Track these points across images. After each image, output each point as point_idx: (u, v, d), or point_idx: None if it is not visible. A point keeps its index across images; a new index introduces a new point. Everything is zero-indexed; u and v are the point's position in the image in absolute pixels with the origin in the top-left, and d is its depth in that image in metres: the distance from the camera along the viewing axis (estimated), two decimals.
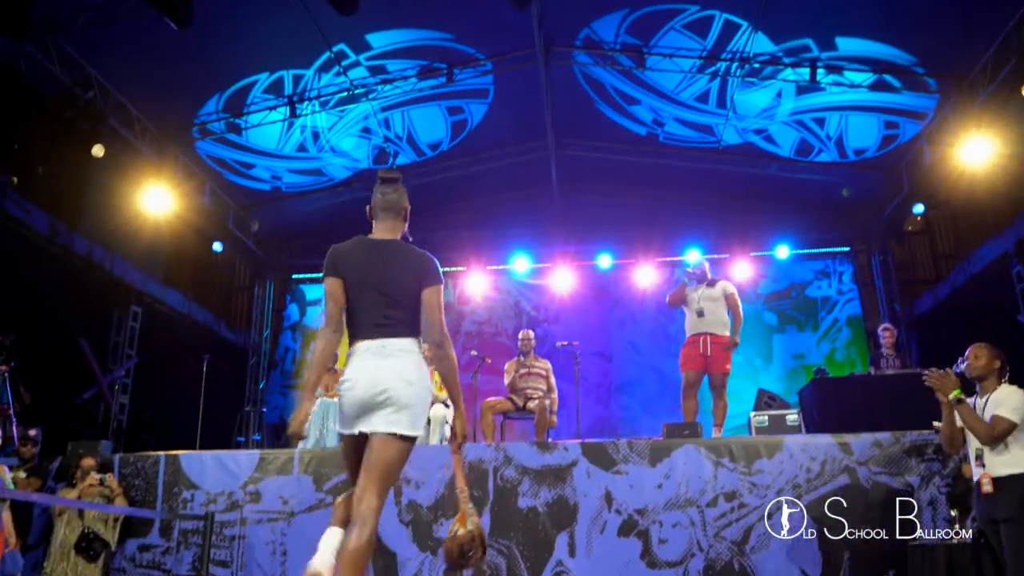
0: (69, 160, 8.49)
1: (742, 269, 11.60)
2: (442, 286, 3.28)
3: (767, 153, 10.57)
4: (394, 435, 3.01)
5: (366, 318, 3.12)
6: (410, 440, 3.08)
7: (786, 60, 8.72)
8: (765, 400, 6.83)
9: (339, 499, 3.30)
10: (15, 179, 8.01)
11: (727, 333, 6.96)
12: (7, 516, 5.29)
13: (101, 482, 5.87)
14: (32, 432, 6.47)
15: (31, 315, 8.22)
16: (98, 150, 8.31)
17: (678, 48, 8.74)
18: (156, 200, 9.19)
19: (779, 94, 9.32)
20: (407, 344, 3.12)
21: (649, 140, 10.70)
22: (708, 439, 5.98)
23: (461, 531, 3.18)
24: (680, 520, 5.53)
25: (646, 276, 11.68)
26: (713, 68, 8.98)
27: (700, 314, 7.00)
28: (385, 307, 3.11)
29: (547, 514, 5.65)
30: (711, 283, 7.17)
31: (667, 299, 7.51)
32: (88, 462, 5.98)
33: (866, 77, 8.67)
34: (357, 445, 3.10)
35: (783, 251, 11.66)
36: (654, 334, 11.62)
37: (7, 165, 7.94)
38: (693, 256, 11.59)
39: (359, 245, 3.32)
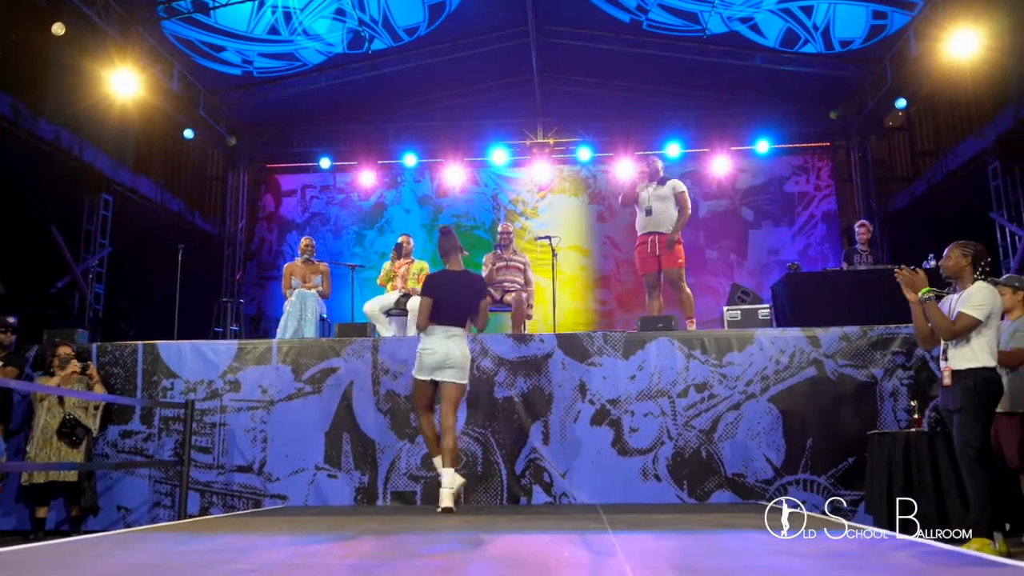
0: (29, 39, 8.12)
1: (721, 164, 11.56)
2: (487, 295, 5.35)
3: (752, 43, 10.34)
4: (457, 383, 4.95)
5: (444, 313, 4.96)
6: (464, 385, 5.03)
7: None
8: (739, 295, 6.92)
9: (427, 431, 5.03)
10: None
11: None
12: None
13: (83, 370, 5.90)
14: (10, 319, 6.42)
15: (0, 203, 8.04)
16: (58, 28, 7.95)
17: None
18: (122, 83, 8.87)
19: None
20: (461, 331, 5.02)
21: (632, 27, 10.39)
22: (681, 331, 6.09)
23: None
24: (651, 410, 5.70)
25: (625, 170, 11.58)
26: None
27: (648, 213, 6.96)
28: (455, 310, 5.00)
29: (522, 404, 5.80)
30: (661, 181, 7.08)
31: (619, 200, 7.46)
32: (65, 350, 5.99)
33: None
34: (431, 387, 4.98)
35: (763, 146, 11.60)
36: (632, 229, 11.54)
37: None
38: (673, 150, 11.52)
39: (446, 275, 5.13)
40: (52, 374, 5.94)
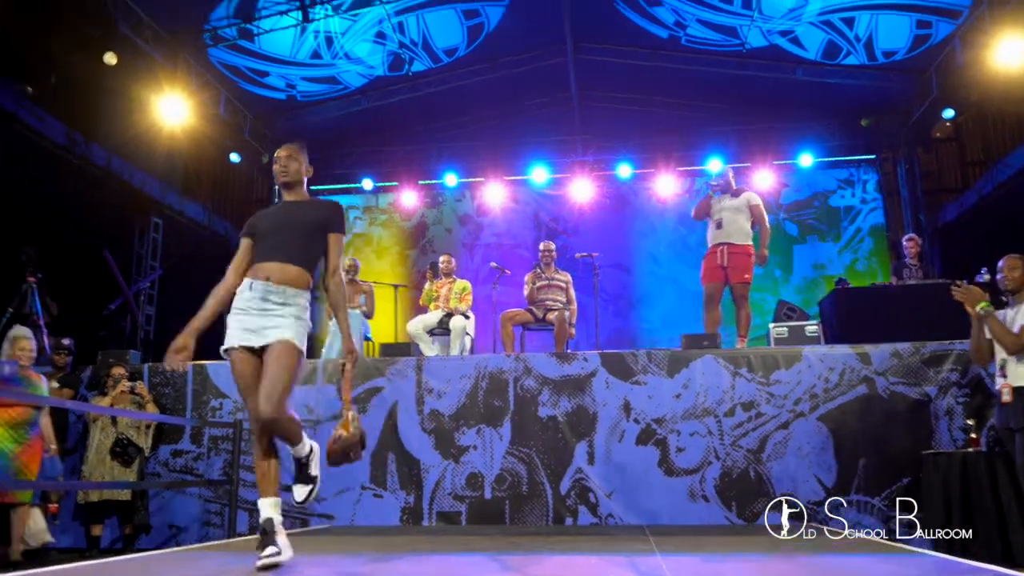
0: (82, 69, 8.39)
1: (764, 178, 11.42)
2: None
3: (793, 56, 10.24)
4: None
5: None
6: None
7: None
8: (785, 311, 6.82)
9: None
10: (30, 88, 7.94)
11: (747, 242, 6.78)
12: (46, 422, 5.47)
13: (132, 390, 6.04)
14: (65, 341, 6.63)
15: (54, 226, 8.30)
16: (110, 58, 8.19)
17: None
18: (171, 109, 9.11)
19: None
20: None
21: (671, 43, 10.37)
22: (727, 349, 6.01)
23: (344, 434, 3.42)
24: (697, 429, 5.63)
25: (666, 186, 11.55)
26: None
27: (719, 225, 6.81)
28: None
29: (567, 423, 5.77)
30: (735, 193, 6.95)
31: (692, 213, 7.32)
32: (118, 371, 6.14)
33: None
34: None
35: (806, 159, 11.45)
36: (674, 245, 11.56)
37: (21, 75, 7.85)
38: (715, 165, 11.41)
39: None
40: (105, 394, 6.09)
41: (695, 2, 9.41)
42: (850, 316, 6.49)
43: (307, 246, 3.39)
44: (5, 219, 7.55)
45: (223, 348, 3.31)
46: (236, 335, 3.28)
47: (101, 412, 5.79)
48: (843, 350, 5.68)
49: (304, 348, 3.31)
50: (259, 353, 3.24)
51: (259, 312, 3.27)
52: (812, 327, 6.48)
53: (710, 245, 6.90)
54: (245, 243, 3.46)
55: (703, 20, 9.77)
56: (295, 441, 3.35)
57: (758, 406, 5.62)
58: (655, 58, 10.59)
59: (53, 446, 5.61)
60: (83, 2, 7.82)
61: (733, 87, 11.01)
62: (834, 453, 5.46)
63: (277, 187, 12.63)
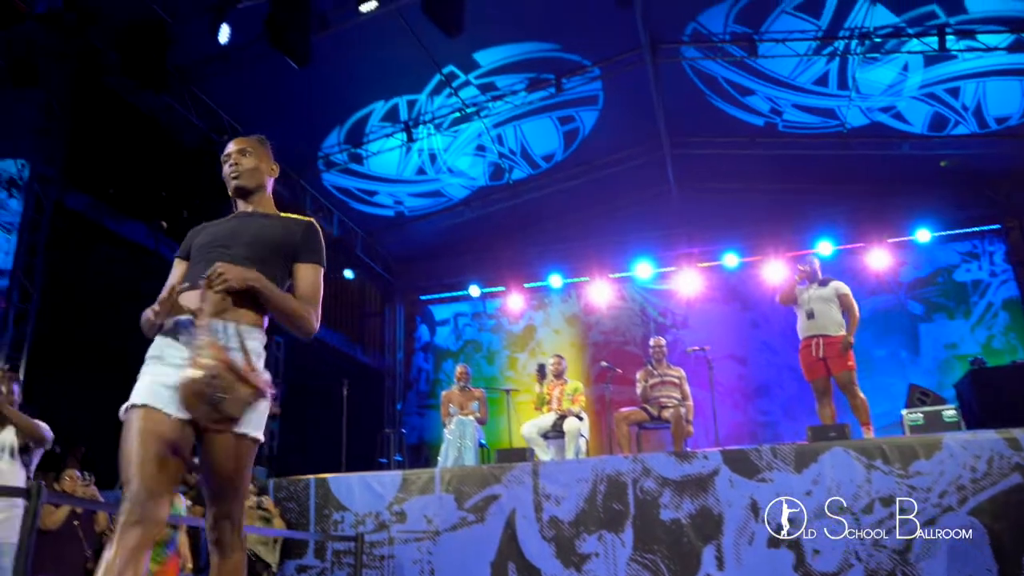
0: (211, 202, 9.08)
1: (879, 257, 10.99)
2: None
3: (898, 132, 9.99)
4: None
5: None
6: None
7: (910, 30, 8.23)
8: (918, 396, 6.42)
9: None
10: (164, 224, 8.64)
11: (842, 332, 6.65)
12: (183, 540, 5.68)
13: (258, 505, 6.21)
14: (196, 461, 6.92)
15: None
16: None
17: (791, 31, 8.42)
18: None
19: (905, 67, 8.80)
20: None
21: (768, 130, 10.33)
22: (858, 440, 5.67)
23: (197, 373, 2.17)
24: (834, 528, 5.26)
25: (776, 273, 11.25)
26: (831, 48, 8.60)
27: (811, 315, 6.72)
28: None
29: (691, 526, 5.52)
30: (823, 282, 6.89)
31: (777, 298, 7.28)
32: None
33: (1003, 38, 8.05)
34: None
35: (924, 235, 10.95)
36: (789, 333, 11.08)
37: (156, 211, 8.57)
38: (825, 248, 11.11)
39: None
40: None
41: (789, 88, 9.41)
42: (992, 398, 6.06)
43: (261, 268, 2.41)
44: (141, 346, 8.06)
45: (124, 407, 2.29)
46: (147, 392, 2.28)
47: None
48: (989, 435, 5.25)
49: (259, 431, 2.42)
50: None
51: (184, 362, 2.25)
52: (950, 411, 6.05)
53: (803, 336, 6.79)
54: (179, 267, 2.59)
55: (799, 104, 9.72)
56: None
57: (899, 501, 5.22)
58: (753, 146, 10.55)
59: (189, 564, 5.79)
60: (210, 141, 8.55)
61: (837, 167, 10.80)
62: (992, 551, 4.97)
63: (381, 300, 13.12)
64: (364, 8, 6.71)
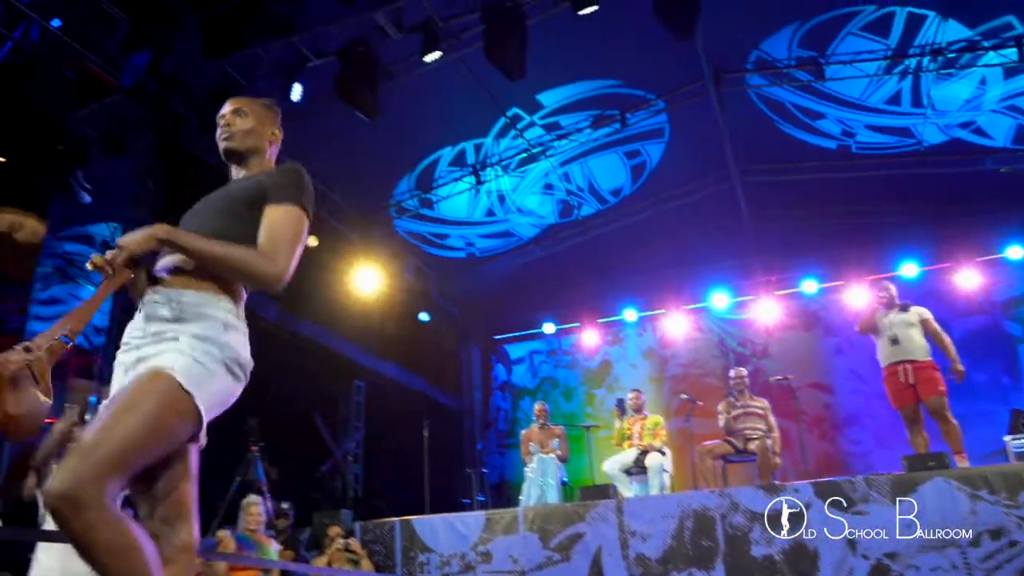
0: None
1: (969, 277, 10.56)
2: None
3: (979, 147, 9.64)
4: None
5: None
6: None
7: (986, 43, 7.99)
8: (1022, 421, 6.11)
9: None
10: None
11: (928, 358, 6.46)
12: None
13: (346, 547, 6.29)
14: (285, 506, 7.10)
15: (270, 397, 9.07)
16: (312, 241, 9.14)
17: (859, 52, 8.27)
18: (365, 280, 9.96)
19: (983, 81, 8.52)
20: None
21: (841, 153, 10.12)
22: (958, 469, 5.42)
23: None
24: (939, 563, 5.01)
25: (858, 297, 10.90)
26: (901, 67, 8.40)
27: (895, 341, 6.55)
28: None
29: (785, 562, 5.34)
30: (903, 308, 6.70)
31: (857, 327, 7.10)
32: (335, 530, 6.45)
33: None
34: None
35: (1015, 251, 10.47)
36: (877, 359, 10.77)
37: None
38: (909, 270, 10.77)
39: None
40: (323, 553, 6.38)
41: (860, 109, 9.22)
42: None
43: (227, 228, 2.10)
44: None
45: None
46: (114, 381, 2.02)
47: (321, 573, 6.04)
48: None
49: (198, 388, 1.91)
50: None
51: (141, 341, 2.00)
52: None
53: (886, 364, 6.61)
54: None
55: (872, 125, 9.50)
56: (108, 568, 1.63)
57: (1009, 533, 4.95)
58: (827, 169, 10.34)
59: None
60: None
61: (916, 186, 10.46)
62: None
63: (457, 341, 13.21)
64: (428, 58, 6.89)
